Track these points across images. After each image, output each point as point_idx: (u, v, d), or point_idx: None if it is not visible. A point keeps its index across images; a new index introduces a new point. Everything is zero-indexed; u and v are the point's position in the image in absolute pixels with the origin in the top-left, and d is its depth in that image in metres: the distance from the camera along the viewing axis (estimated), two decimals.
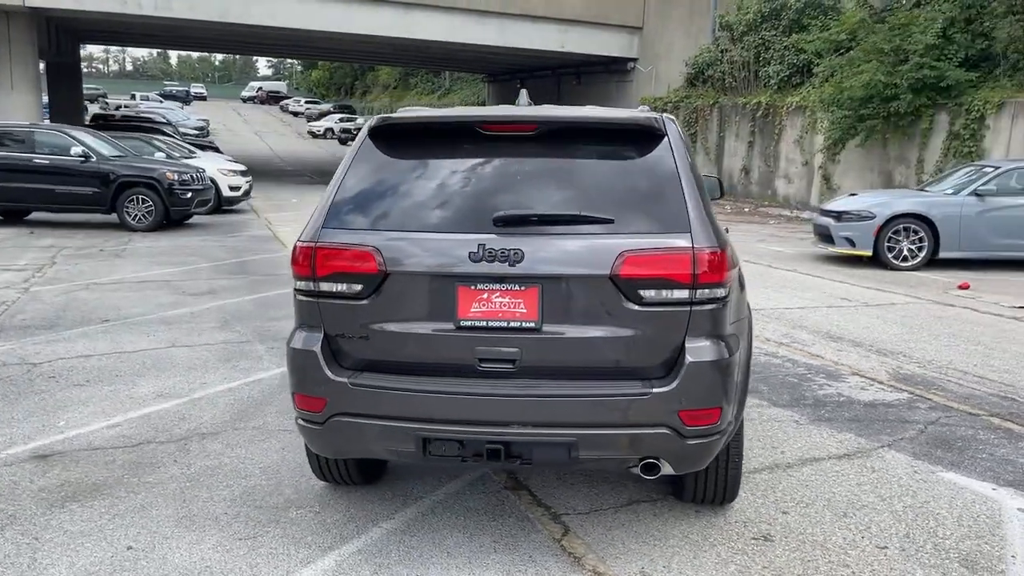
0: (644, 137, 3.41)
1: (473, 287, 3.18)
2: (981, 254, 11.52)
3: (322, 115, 58.86)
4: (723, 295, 3.21)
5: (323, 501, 4.03)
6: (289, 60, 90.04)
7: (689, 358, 3.14)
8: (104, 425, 5.06)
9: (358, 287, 3.26)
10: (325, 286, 3.31)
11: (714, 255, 3.15)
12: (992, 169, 11.92)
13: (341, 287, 3.29)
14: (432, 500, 4.04)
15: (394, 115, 3.56)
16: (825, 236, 12.19)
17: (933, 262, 11.57)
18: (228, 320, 7.94)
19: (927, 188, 12.95)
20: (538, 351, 3.19)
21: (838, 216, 11.94)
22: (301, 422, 3.45)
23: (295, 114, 68.28)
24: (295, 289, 3.45)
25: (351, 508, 3.95)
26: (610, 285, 3.13)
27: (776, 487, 4.22)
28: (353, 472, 4.01)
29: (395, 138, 3.56)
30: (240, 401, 5.53)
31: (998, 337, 7.75)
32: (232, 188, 18.17)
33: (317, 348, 3.31)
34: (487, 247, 3.15)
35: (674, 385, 3.12)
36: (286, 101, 74.89)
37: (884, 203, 11.65)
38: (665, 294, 3.12)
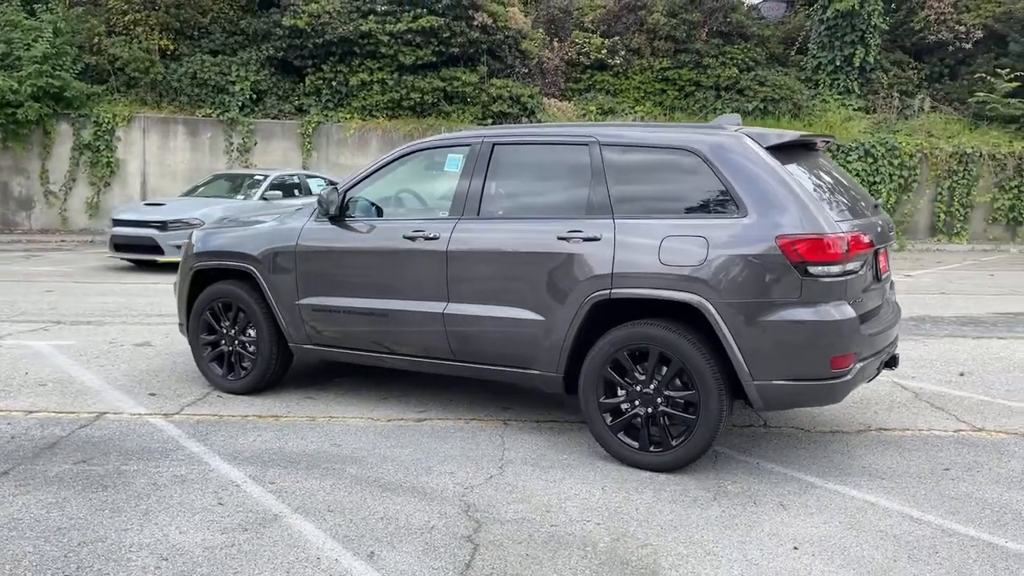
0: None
1: (878, 252, 4.65)
2: None
3: None
4: None
5: (718, 481, 4.33)
6: None
7: None
8: None
9: (860, 263, 4.28)
10: (851, 266, 4.17)
11: None
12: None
13: (857, 265, 4.23)
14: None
15: (784, 135, 4.47)
16: (146, 247, 12.14)
17: None
18: None
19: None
20: (888, 289, 4.92)
21: (163, 225, 12.08)
22: (825, 382, 4.10)
23: None
24: (815, 274, 4.03)
25: (742, 477, 4.45)
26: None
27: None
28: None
29: (778, 151, 4.41)
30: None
31: None
32: None
33: (856, 315, 4.16)
34: (883, 223, 4.71)
35: None
36: None
37: (206, 212, 12.31)
38: None
